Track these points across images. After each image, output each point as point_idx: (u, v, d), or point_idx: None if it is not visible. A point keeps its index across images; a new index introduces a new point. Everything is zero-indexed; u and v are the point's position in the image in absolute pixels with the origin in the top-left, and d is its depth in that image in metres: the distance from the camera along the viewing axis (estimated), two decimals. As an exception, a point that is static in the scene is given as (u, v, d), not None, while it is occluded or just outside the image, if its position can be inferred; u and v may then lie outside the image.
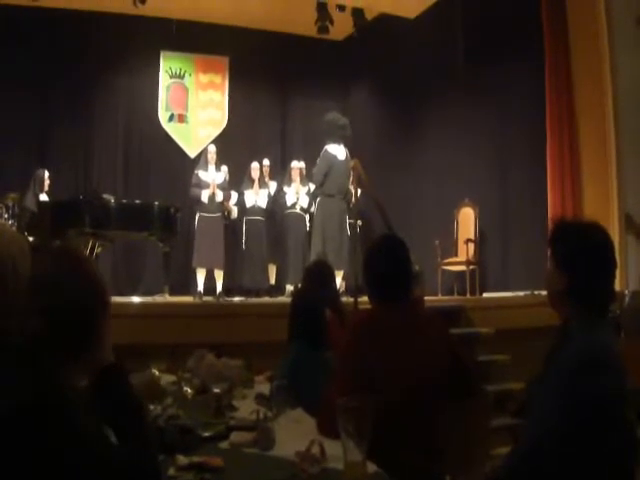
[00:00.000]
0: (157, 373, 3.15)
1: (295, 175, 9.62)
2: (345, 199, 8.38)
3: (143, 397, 2.10)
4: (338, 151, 8.31)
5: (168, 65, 11.31)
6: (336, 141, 8.33)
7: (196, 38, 10.80)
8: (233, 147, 10.76)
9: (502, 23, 8.65)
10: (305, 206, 9.50)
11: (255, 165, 9.67)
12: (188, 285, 9.64)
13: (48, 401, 1.39)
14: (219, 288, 8.98)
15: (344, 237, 8.29)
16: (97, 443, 1.46)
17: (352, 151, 8.47)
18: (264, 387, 3.04)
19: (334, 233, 8.19)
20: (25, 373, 1.43)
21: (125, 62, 10.68)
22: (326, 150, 8.33)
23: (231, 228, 9.62)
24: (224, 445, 2.23)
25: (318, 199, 8.49)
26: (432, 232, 9.37)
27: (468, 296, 8.55)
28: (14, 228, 7.65)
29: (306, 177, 9.62)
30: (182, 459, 1.94)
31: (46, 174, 8.78)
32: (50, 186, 8.77)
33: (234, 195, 9.55)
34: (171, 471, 1.89)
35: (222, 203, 9.12)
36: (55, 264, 1.64)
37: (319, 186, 8.36)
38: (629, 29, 7.77)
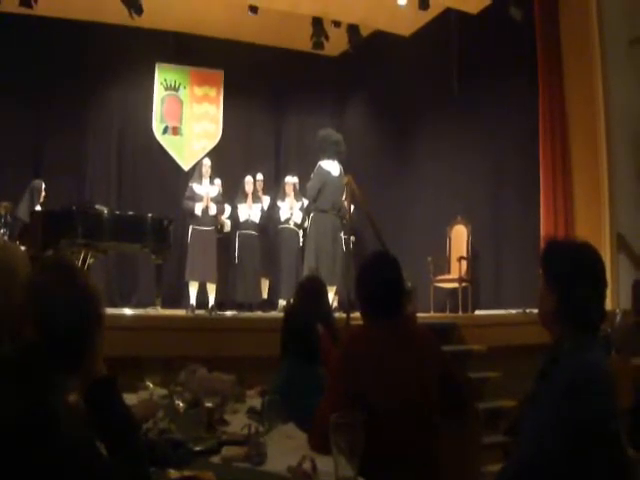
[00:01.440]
0: (151, 386, 3.15)
1: (289, 190, 9.63)
2: (339, 215, 8.38)
3: (138, 417, 2.11)
4: (332, 167, 8.33)
5: (163, 77, 11.32)
6: (330, 157, 8.36)
7: (192, 51, 10.83)
8: (227, 161, 10.77)
9: (496, 41, 8.70)
10: (298, 221, 9.50)
11: (249, 179, 9.67)
12: (180, 298, 9.62)
13: (39, 414, 1.39)
14: (211, 302, 8.97)
15: (337, 253, 8.29)
16: (88, 456, 1.46)
17: (346, 167, 8.50)
18: (256, 402, 3.03)
19: (327, 249, 8.19)
20: (17, 385, 1.43)
21: (120, 74, 10.70)
22: (320, 166, 8.35)
23: (224, 242, 9.61)
24: (215, 459, 2.22)
25: (312, 215, 8.50)
26: (425, 249, 9.39)
27: (460, 313, 8.55)
28: (6, 237, 7.64)
29: (300, 192, 9.62)
30: (173, 473, 1.94)
31: (43, 185, 8.77)
32: (45, 197, 8.75)
33: (227, 209, 9.55)
34: (162, 485, 1.89)
35: (215, 216, 9.12)
36: (49, 275, 1.64)
37: (313, 202, 8.37)
38: (622, 51, 7.83)
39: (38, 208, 8.46)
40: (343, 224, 8.31)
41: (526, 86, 8.64)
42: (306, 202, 9.15)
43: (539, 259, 2.27)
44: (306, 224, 9.08)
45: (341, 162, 8.48)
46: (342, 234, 8.54)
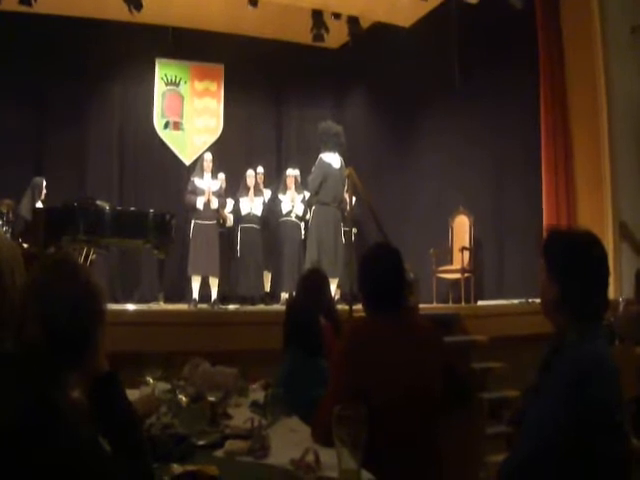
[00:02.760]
0: (151, 381, 3.14)
1: (290, 183, 9.61)
2: (340, 207, 8.37)
3: (141, 413, 2.11)
4: (333, 159, 8.32)
5: (164, 72, 11.31)
6: (331, 149, 8.34)
7: (192, 45, 10.81)
8: (228, 155, 10.76)
9: (497, 32, 8.68)
10: (300, 214, 9.49)
11: (250, 173, 9.66)
12: (183, 292, 9.61)
13: (42, 411, 1.39)
14: (214, 296, 8.95)
15: (339, 245, 8.27)
16: (92, 452, 1.46)
17: (347, 159, 8.48)
18: (259, 395, 3.03)
19: (329, 241, 8.18)
20: (20, 382, 1.42)
21: (121, 69, 10.70)
22: (321, 159, 8.34)
23: (226, 235, 9.61)
24: (219, 453, 2.23)
25: (313, 207, 8.47)
26: (427, 240, 9.39)
27: (463, 304, 8.56)
28: (8, 235, 7.64)
29: (301, 185, 9.61)
30: (177, 467, 1.93)
31: (44, 182, 8.77)
32: (46, 194, 8.75)
33: (229, 202, 9.54)
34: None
35: (217, 210, 9.12)
36: (51, 272, 1.63)
37: (314, 194, 8.36)
38: (623, 39, 7.82)
39: (39, 205, 8.46)
40: (345, 216, 8.28)
41: (527, 75, 8.63)
42: (307, 195, 9.14)
43: (541, 249, 2.26)
44: (308, 217, 9.05)
45: (342, 154, 8.47)
46: (344, 226, 8.50)
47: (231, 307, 8.75)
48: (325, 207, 8.24)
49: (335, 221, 8.30)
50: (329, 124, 8.67)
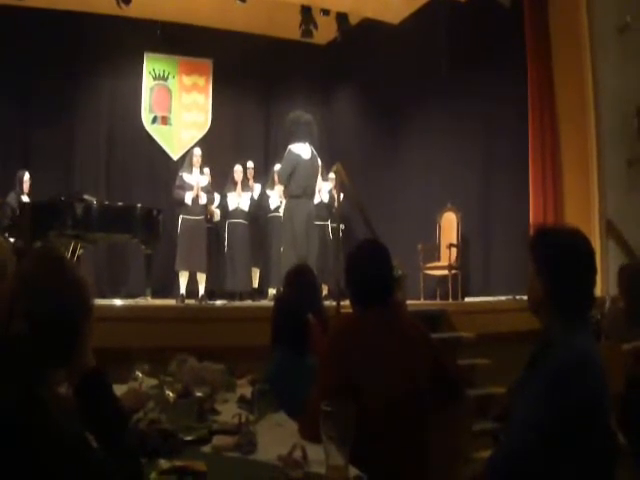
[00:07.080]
0: (140, 375, 3.14)
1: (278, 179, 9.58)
2: (313, 199, 8.14)
3: (128, 408, 2.10)
4: (302, 150, 7.82)
5: (152, 67, 11.28)
6: (301, 139, 7.83)
7: (180, 40, 10.78)
8: (216, 150, 10.73)
9: (485, 30, 8.70)
10: (289, 210, 9.45)
11: (238, 168, 9.65)
12: (170, 288, 9.60)
13: (28, 407, 1.38)
14: (201, 291, 8.95)
15: (311, 239, 8.01)
16: (79, 449, 1.45)
17: (335, 155, 8.42)
18: (246, 391, 3.03)
19: (301, 235, 7.89)
20: (6, 379, 1.42)
21: (109, 64, 10.64)
22: (289, 150, 7.84)
23: (214, 231, 9.59)
24: (206, 449, 2.23)
25: (284, 201, 8.31)
26: (415, 236, 9.40)
27: (450, 300, 8.58)
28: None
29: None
30: (164, 463, 1.93)
31: (27, 175, 8.71)
32: (31, 187, 8.70)
33: (217, 198, 9.52)
34: (153, 475, 1.87)
35: (205, 206, 9.10)
36: (38, 267, 1.62)
37: (285, 187, 8.05)
38: (611, 38, 7.85)
39: (25, 199, 8.41)
40: (332, 212, 8.18)
41: (515, 73, 8.65)
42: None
43: (528, 246, 2.27)
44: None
45: (313, 144, 8.03)
46: (331, 222, 8.39)
47: (218, 303, 8.74)
48: (296, 200, 7.79)
49: (307, 214, 7.85)
50: (298, 113, 8.27)
